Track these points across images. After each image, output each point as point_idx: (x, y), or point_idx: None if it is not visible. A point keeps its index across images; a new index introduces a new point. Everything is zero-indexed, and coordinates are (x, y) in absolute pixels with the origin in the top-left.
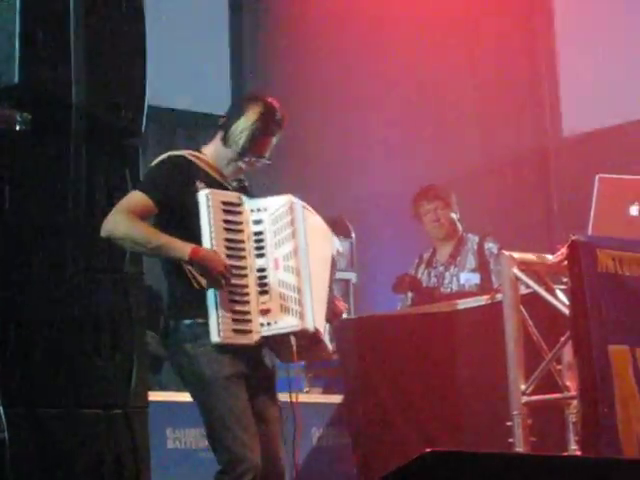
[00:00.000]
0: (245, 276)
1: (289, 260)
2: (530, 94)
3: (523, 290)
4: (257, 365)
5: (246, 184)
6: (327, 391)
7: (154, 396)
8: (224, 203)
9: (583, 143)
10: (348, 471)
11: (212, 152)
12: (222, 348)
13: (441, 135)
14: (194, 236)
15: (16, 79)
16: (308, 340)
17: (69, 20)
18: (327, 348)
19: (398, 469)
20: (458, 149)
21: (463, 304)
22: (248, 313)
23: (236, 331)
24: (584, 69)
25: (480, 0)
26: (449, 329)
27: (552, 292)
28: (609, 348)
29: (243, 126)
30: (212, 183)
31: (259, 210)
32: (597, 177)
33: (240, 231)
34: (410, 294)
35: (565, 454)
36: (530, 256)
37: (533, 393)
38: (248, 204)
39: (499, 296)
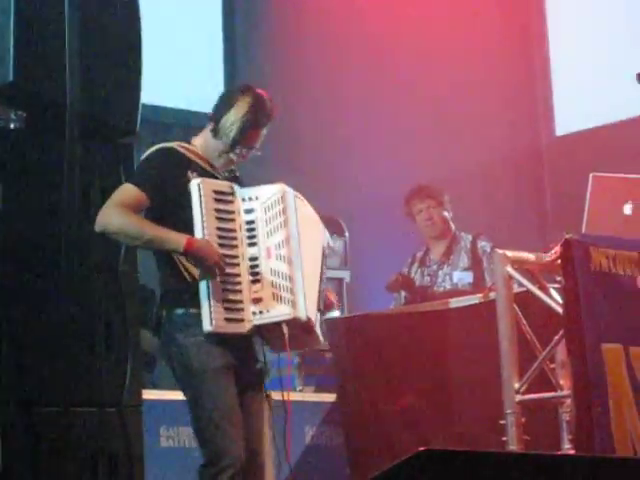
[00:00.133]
0: (237, 265)
1: (281, 249)
2: (523, 93)
3: (516, 289)
4: (247, 358)
5: (237, 174)
6: (320, 389)
7: (148, 395)
8: (216, 192)
9: (577, 142)
10: (341, 470)
11: (202, 144)
12: (213, 339)
13: (435, 134)
14: (187, 227)
15: (10, 77)
16: (300, 329)
17: (63, 18)
18: (319, 338)
19: (391, 468)
20: (452, 148)
21: (456, 303)
22: (240, 302)
23: (228, 320)
24: (577, 68)
25: (474, 0)
26: (442, 328)
27: (546, 291)
28: (603, 347)
29: (233, 118)
30: (203, 174)
31: (251, 199)
32: (591, 176)
33: (232, 220)
34: (403, 293)
35: (559, 453)
36: (524, 254)
37: (526, 392)
38: (240, 193)
39: (492, 295)
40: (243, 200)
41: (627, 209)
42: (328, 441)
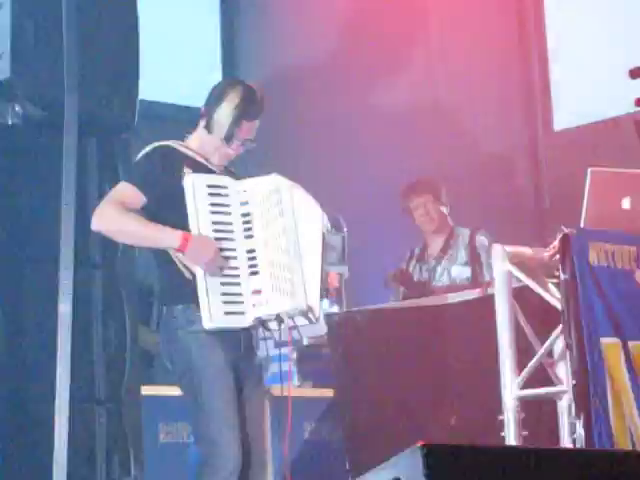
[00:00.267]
0: (235, 258)
1: (278, 239)
2: (521, 88)
3: (515, 283)
4: (248, 353)
5: (232, 170)
6: (317, 385)
7: (146, 390)
8: (210, 186)
9: (575, 137)
10: (340, 465)
11: (197, 142)
12: (214, 334)
13: (433, 129)
14: (185, 223)
15: (8, 73)
16: (302, 319)
17: (61, 14)
18: (323, 326)
19: (390, 462)
20: (450, 143)
21: (454, 298)
22: (240, 295)
23: (228, 313)
24: (576, 63)
25: None
26: (441, 323)
27: (544, 285)
28: (601, 341)
29: (226, 112)
30: (199, 170)
31: (245, 191)
32: (589, 170)
33: (227, 213)
34: (401, 288)
35: (558, 448)
36: (522, 249)
37: (525, 387)
38: (234, 186)
39: (491, 289)
40: (238, 193)
41: (626, 204)
42: (326, 436)
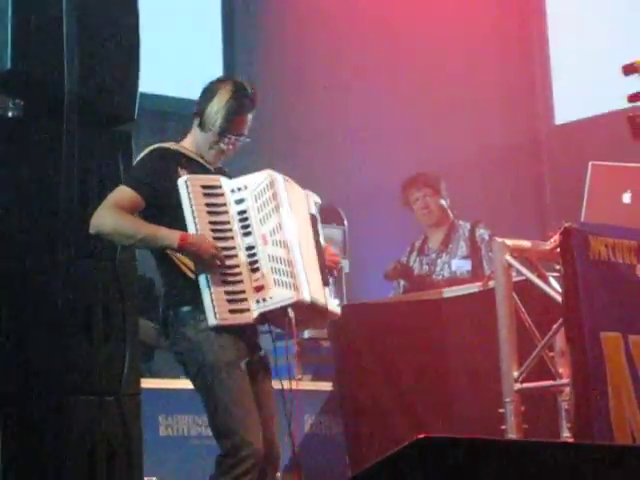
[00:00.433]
0: (235, 256)
1: (276, 234)
2: (522, 82)
3: (515, 277)
4: (255, 348)
5: (226, 170)
6: (317, 378)
7: (146, 383)
8: (204, 187)
9: (576, 131)
10: (340, 459)
11: (192, 141)
12: (223, 332)
13: (433, 123)
14: (184, 224)
15: (9, 65)
16: (307, 310)
17: (62, 5)
18: (333, 311)
19: (390, 455)
20: (451, 137)
21: (455, 291)
22: (242, 292)
23: (232, 311)
24: (576, 56)
25: None
26: (441, 316)
27: (545, 279)
28: (601, 335)
29: (217, 107)
30: (196, 168)
31: (240, 189)
32: (590, 164)
33: (224, 213)
34: (402, 282)
35: (558, 441)
36: (523, 243)
37: (525, 380)
38: (228, 185)
39: (491, 283)
40: (232, 191)
41: (626, 198)
42: (327, 430)
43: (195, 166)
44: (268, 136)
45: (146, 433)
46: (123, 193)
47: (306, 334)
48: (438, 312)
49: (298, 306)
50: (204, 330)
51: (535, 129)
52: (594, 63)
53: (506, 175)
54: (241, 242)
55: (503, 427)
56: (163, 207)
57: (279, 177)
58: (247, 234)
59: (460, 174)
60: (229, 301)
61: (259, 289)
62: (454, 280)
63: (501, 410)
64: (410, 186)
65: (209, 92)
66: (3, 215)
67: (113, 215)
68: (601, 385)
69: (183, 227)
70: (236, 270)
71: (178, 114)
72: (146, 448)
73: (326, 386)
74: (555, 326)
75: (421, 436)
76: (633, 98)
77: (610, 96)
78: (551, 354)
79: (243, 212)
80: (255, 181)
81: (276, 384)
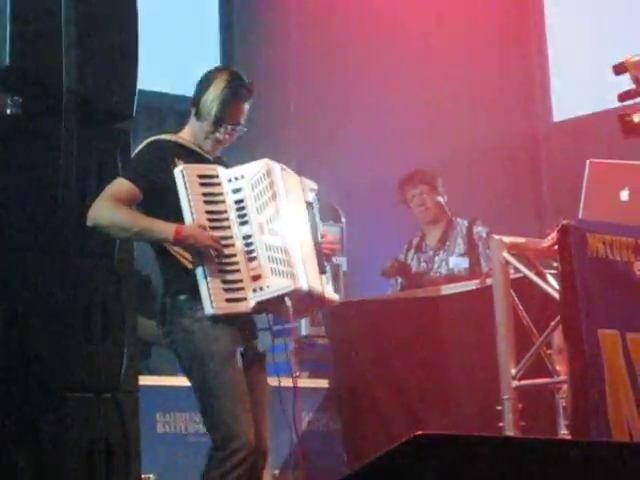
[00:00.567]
0: (232, 245)
1: (273, 223)
2: (520, 78)
3: (513, 274)
4: (251, 337)
5: (224, 159)
6: (314, 375)
7: (144, 380)
8: (200, 176)
9: (574, 128)
10: (338, 456)
11: (189, 132)
12: (218, 323)
13: (431, 120)
14: (180, 215)
15: (7, 62)
16: (305, 298)
17: (60, 3)
18: (331, 298)
19: (387, 452)
20: (448, 134)
21: (453, 288)
22: (239, 281)
23: (229, 300)
24: (575, 54)
25: None
26: (439, 314)
27: (542, 276)
28: (599, 332)
29: (213, 95)
30: (193, 158)
31: (237, 178)
32: (588, 162)
33: (221, 202)
34: (399, 279)
35: (555, 438)
36: (520, 240)
37: (523, 377)
38: (225, 174)
39: (489, 280)
40: (229, 181)
41: (624, 195)
42: (325, 427)
43: (193, 156)
44: (267, 133)
45: (143, 430)
46: (120, 185)
47: (303, 331)
48: (436, 309)
49: (295, 295)
50: (200, 320)
51: (533, 127)
52: (592, 61)
53: (504, 172)
54: (238, 231)
55: (501, 424)
56: (161, 199)
57: (276, 166)
58: (244, 223)
59: (458, 171)
60: (226, 290)
61: (256, 278)
62: (452, 277)
63: (499, 407)
64: (406, 183)
65: (205, 81)
66: (1, 213)
67: (110, 208)
68: (599, 382)
69: (182, 218)
70: (233, 259)
71: (176, 111)
72: (143, 445)
73: (323, 383)
74: (553, 323)
75: (418, 433)
76: (623, 97)
77: (608, 94)
78: (549, 351)
79: (240, 201)
80: (252, 170)
81: (274, 381)
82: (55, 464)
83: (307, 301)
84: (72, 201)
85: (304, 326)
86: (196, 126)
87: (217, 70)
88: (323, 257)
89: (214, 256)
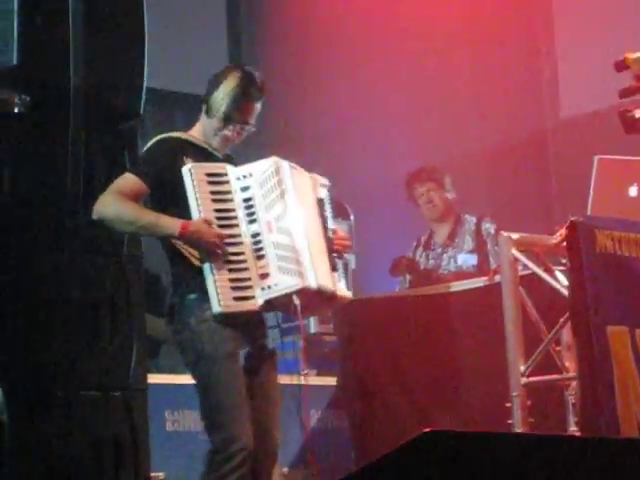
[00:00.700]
0: (240, 243)
1: (281, 221)
2: (528, 75)
3: (522, 271)
4: (260, 336)
5: (233, 157)
6: (323, 373)
7: (153, 378)
8: (208, 175)
9: (582, 124)
10: (346, 453)
11: (199, 129)
12: (226, 322)
13: (439, 117)
14: (189, 213)
15: (14, 61)
16: (314, 296)
17: (68, 2)
18: (342, 295)
19: (396, 450)
20: (456, 131)
21: (461, 285)
22: (248, 280)
23: (237, 299)
24: (583, 49)
25: None
26: (447, 311)
27: (551, 273)
28: (608, 329)
29: (223, 93)
30: (201, 155)
31: (245, 177)
32: (596, 158)
33: (229, 200)
34: (408, 276)
35: (564, 434)
36: (529, 237)
37: (532, 374)
38: (233, 172)
39: (498, 277)
40: (238, 179)
41: (632, 191)
42: (333, 424)
43: (202, 154)
44: (274, 131)
45: (152, 429)
46: (127, 180)
47: (312, 329)
48: (444, 306)
49: (304, 293)
50: (207, 320)
51: (541, 123)
52: (600, 56)
53: (512, 169)
54: (246, 229)
55: (510, 421)
56: (170, 196)
57: (285, 164)
58: (252, 221)
59: (466, 168)
60: (233, 288)
61: (264, 276)
62: (460, 274)
63: (508, 404)
64: (414, 180)
65: (217, 78)
66: (9, 211)
67: (116, 201)
68: (608, 379)
69: (188, 215)
70: (241, 257)
71: (185, 110)
72: (152, 444)
73: (332, 381)
74: (562, 320)
75: (427, 430)
76: (623, 93)
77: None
78: (558, 348)
79: (248, 199)
80: (261, 168)
81: (283, 379)
82: (64, 463)
83: (317, 299)
84: (79, 199)
85: (313, 324)
86: (206, 123)
87: (230, 68)
88: (334, 254)
89: (219, 254)
